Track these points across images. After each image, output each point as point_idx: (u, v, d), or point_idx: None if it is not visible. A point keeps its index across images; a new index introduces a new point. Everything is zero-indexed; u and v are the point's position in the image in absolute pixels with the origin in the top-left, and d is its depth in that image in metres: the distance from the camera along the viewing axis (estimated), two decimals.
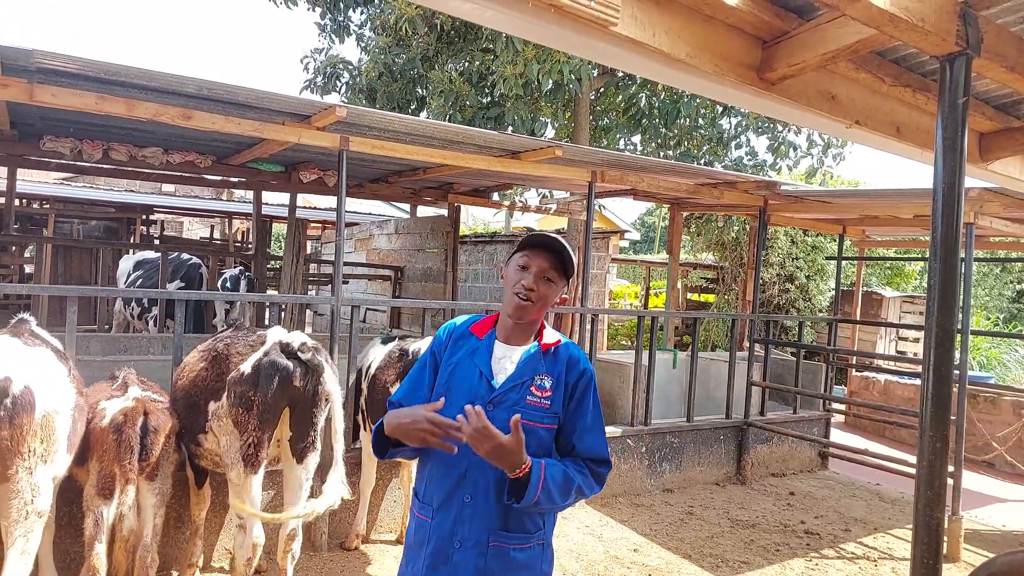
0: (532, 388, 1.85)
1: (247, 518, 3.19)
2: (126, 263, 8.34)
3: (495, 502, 1.80)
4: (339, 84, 10.32)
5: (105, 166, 6.54)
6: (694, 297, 13.12)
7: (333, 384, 3.43)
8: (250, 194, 12.18)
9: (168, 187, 16.97)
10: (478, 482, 1.80)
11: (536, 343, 1.93)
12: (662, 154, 9.99)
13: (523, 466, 1.68)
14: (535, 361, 1.89)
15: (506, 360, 1.90)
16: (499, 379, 1.87)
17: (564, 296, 1.96)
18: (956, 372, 4.87)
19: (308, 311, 11.87)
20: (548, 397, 1.85)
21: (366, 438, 4.23)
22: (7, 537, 2.66)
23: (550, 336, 1.95)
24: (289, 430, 3.29)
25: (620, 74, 9.38)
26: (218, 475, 3.72)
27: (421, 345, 3.97)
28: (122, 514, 2.89)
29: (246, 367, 3.20)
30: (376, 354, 4.37)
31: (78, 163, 6.27)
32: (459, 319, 2.04)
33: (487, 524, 1.80)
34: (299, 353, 3.26)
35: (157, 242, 11.71)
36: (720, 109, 9.78)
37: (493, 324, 1.97)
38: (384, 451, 1.86)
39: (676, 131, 9.79)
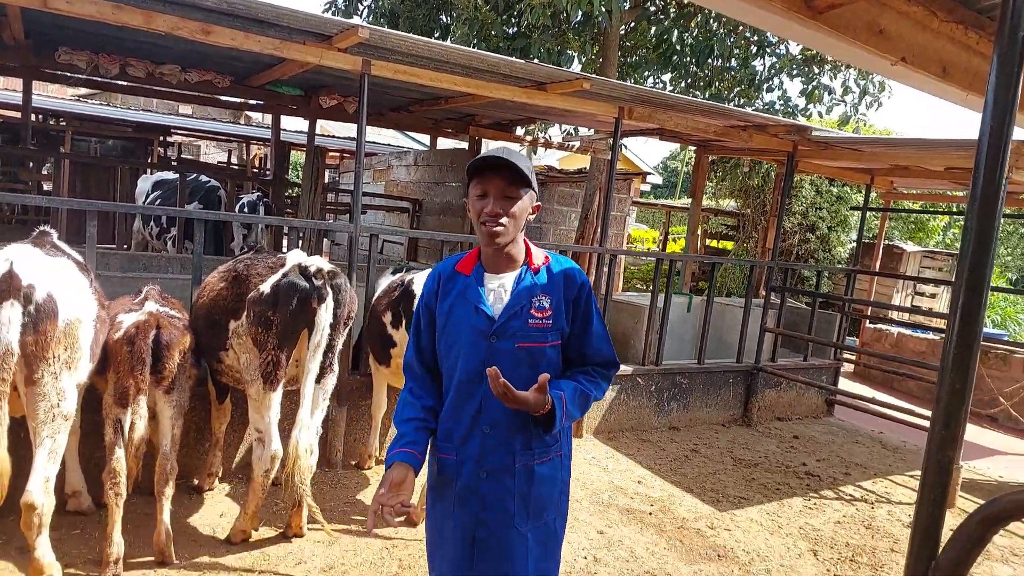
0: (532, 311, 1.85)
1: (265, 433, 3.29)
2: (144, 183, 8.34)
3: (514, 427, 1.85)
4: (360, 7, 10.03)
5: (122, 82, 6.47)
6: (713, 243, 13.01)
7: (352, 306, 3.47)
8: (268, 120, 12.06)
9: (185, 109, 16.81)
10: (494, 411, 1.84)
11: (525, 265, 1.90)
12: (692, 95, 9.71)
13: (546, 406, 1.75)
14: (529, 284, 1.87)
15: (500, 289, 1.88)
16: (496, 309, 1.86)
17: (537, 204, 1.91)
18: None
19: (326, 240, 11.90)
20: (549, 316, 1.86)
21: (374, 365, 4.30)
22: (36, 437, 2.77)
23: (537, 256, 1.93)
24: (308, 351, 3.34)
25: (652, 7, 9.03)
26: (238, 391, 3.82)
27: (417, 277, 3.95)
28: (134, 423, 2.97)
29: (265, 287, 3.24)
30: (383, 283, 4.40)
31: (95, 78, 6.20)
32: (445, 260, 2.02)
33: (509, 448, 1.86)
34: (317, 275, 3.28)
35: (175, 164, 11.69)
36: (754, 49, 9.43)
37: (478, 257, 1.94)
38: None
39: (707, 71, 9.48)
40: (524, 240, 1.93)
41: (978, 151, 1.42)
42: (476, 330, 1.84)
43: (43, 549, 2.79)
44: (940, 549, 1.55)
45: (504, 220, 1.80)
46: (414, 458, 1.83)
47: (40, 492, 2.72)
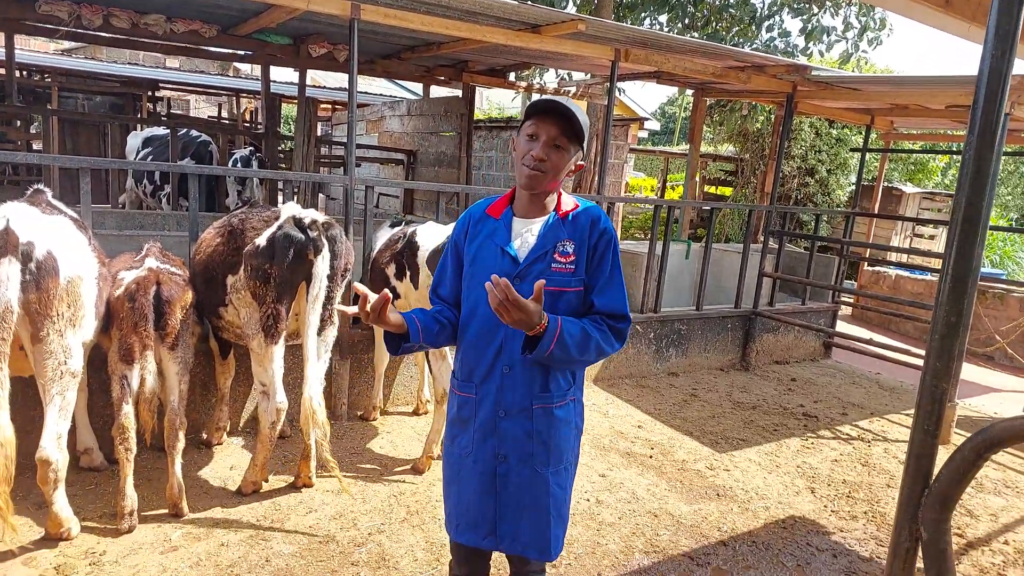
0: (555, 255, 1.88)
1: (269, 386, 3.33)
2: (134, 139, 8.21)
3: (533, 368, 1.89)
4: None
5: (105, 34, 6.31)
6: (711, 190, 12.91)
7: (349, 257, 3.48)
8: (257, 72, 11.81)
9: (172, 63, 16.43)
10: (515, 352, 1.88)
11: (554, 212, 1.94)
12: (689, 35, 9.49)
13: (540, 324, 1.74)
14: (555, 229, 1.91)
15: (527, 233, 1.93)
16: (522, 253, 1.90)
17: (580, 163, 1.94)
18: None
19: (321, 195, 11.81)
20: (572, 262, 1.89)
21: None
22: (45, 395, 2.81)
23: (567, 203, 1.96)
24: (307, 303, 3.36)
25: None
26: (242, 347, 3.86)
27: (420, 228, 3.96)
28: (144, 378, 3.01)
29: (261, 240, 3.24)
30: (382, 237, 4.39)
31: (78, 30, 6.04)
32: (477, 203, 2.07)
33: (528, 389, 1.91)
34: (311, 227, 3.27)
35: (165, 119, 11.49)
36: None
37: (509, 201, 1.99)
38: (396, 348, 1.93)
39: (705, 10, 9.25)
40: (558, 189, 1.96)
41: (978, 84, 1.41)
42: (501, 270, 1.87)
43: (60, 504, 2.86)
44: (934, 478, 1.60)
45: (546, 167, 1.84)
46: (410, 316, 1.89)
47: (54, 448, 2.77)
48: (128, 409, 2.99)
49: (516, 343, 1.86)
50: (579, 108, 1.88)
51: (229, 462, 3.77)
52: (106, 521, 3.07)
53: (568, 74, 9.78)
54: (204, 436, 3.97)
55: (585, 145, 1.90)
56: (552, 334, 1.76)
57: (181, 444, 3.19)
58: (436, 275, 2.09)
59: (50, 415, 2.81)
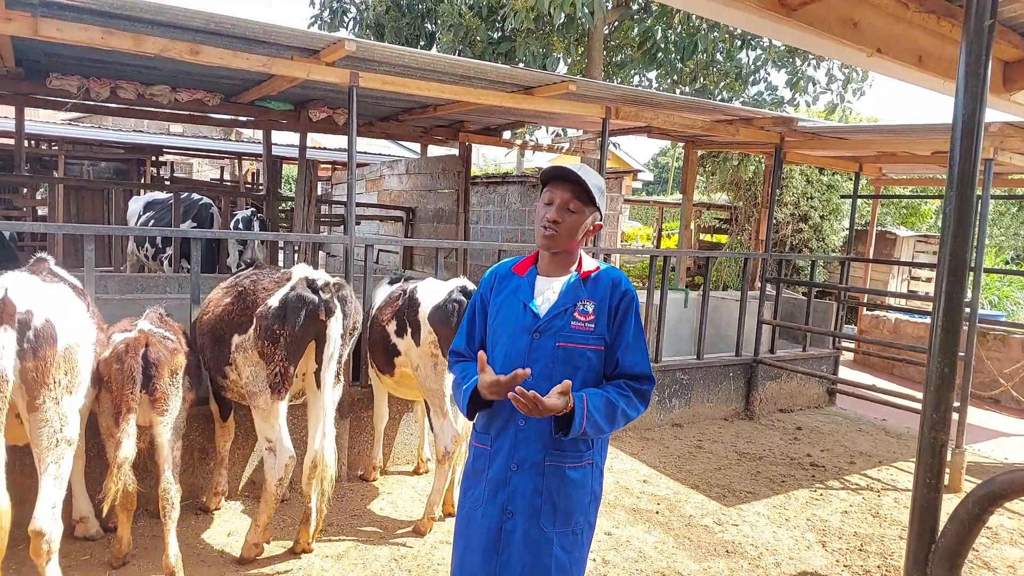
0: (575, 314, 1.95)
1: (276, 442, 3.31)
2: (136, 204, 8.34)
3: (548, 424, 1.92)
4: (346, 19, 10.09)
5: (113, 104, 6.50)
6: (707, 238, 13.05)
7: (357, 317, 3.52)
8: (259, 136, 12.09)
9: (176, 128, 16.83)
10: None
11: (575, 272, 2.02)
12: (678, 90, 9.76)
13: (567, 407, 1.80)
14: (576, 288, 1.98)
15: (548, 291, 2.00)
16: (543, 309, 1.97)
17: (598, 224, 2.02)
18: (967, 310, 4.87)
19: (321, 252, 11.92)
20: (592, 320, 1.94)
21: (375, 375, 4.32)
22: (40, 464, 2.78)
23: (589, 264, 2.04)
24: (315, 363, 3.37)
25: (635, 6, 9.09)
26: (242, 409, 3.84)
27: (420, 285, 3.98)
28: (120, 441, 2.90)
29: (274, 301, 3.28)
30: (381, 294, 4.42)
31: (86, 102, 6.23)
32: (503, 262, 2.17)
33: (542, 445, 1.94)
34: (324, 289, 3.32)
35: (168, 183, 11.70)
36: (739, 43, 9.49)
37: (534, 261, 2.09)
38: (473, 413, 1.99)
39: (693, 66, 9.54)
40: (579, 248, 2.05)
41: (952, 139, 1.46)
42: (522, 325, 1.96)
43: None
44: (940, 533, 1.58)
45: (560, 229, 1.93)
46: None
47: (47, 519, 2.73)
48: (127, 469, 2.94)
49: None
50: (592, 172, 1.98)
51: (227, 528, 3.70)
52: None
53: (563, 130, 10.01)
54: (203, 500, 3.90)
55: (602, 206, 2.00)
56: (580, 416, 1.83)
57: (176, 513, 3.13)
58: (463, 331, 2.15)
59: (45, 484, 2.77)
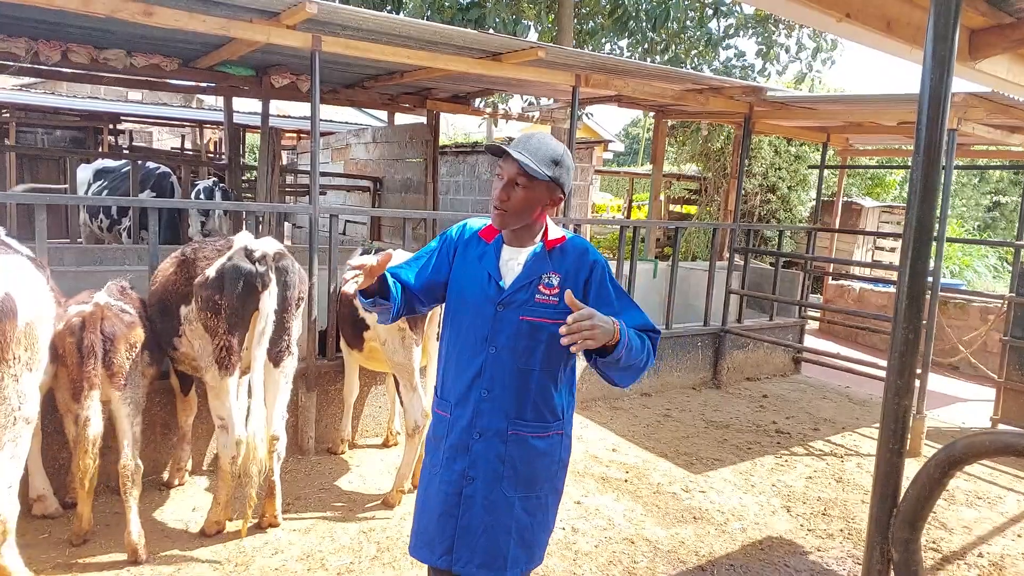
0: (540, 287, 1.90)
1: (227, 420, 3.24)
2: (84, 172, 7.85)
3: (512, 393, 1.90)
4: None
5: (65, 69, 6.22)
6: (676, 208, 13.11)
7: (303, 286, 3.43)
8: (220, 103, 11.72)
9: (135, 95, 16.24)
10: (495, 376, 1.90)
11: (541, 243, 1.96)
12: (649, 60, 9.68)
13: (615, 332, 1.68)
14: (541, 260, 1.93)
15: (513, 262, 1.95)
16: (507, 280, 1.92)
17: (558, 196, 1.92)
18: (930, 278, 4.96)
19: (287, 224, 11.70)
20: (556, 294, 1.89)
21: (345, 348, 4.26)
22: None
23: (555, 232, 1.98)
24: (253, 337, 3.28)
25: None
26: (203, 384, 3.75)
27: None
28: (87, 418, 2.87)
29: (211, 271, 3.18)
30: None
31: (36, 66, 5.94)
32: (471, 221, 2.09)
33: (505, 414, 1.90)
34: (261, 260, 3.22)
35: (126, 152, 11.31)
36: (710, 12, 9.42)
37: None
38: (372, 300, 2.02)
39: (664, 35, 9.46)
40: (544, 219, 1.97)
41: (919, 106, 1.44)
42: (485, 296, 1.91)
43: (9, 557, 2.71)
44: (901, 496, 1.60)
45: (508, 207, 1.86)
46: (394, 282, 2.00)
47: (3, 500, 2.64)
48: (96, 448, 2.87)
49: (497, 368, 1.88)
50: (546, 141, 1.87)
51: (191, 503, 3.64)
52: (60, 571, 2.93)
53: (536, 99, 9.89)
54: (165, 476, 3.83)
55: (560, 177, 1.87)
56: (624, 335, 1.70)
57: (137, 490, 3.06)
58: (411, 259, 2.07)
59: (1, 464, 2.68)
